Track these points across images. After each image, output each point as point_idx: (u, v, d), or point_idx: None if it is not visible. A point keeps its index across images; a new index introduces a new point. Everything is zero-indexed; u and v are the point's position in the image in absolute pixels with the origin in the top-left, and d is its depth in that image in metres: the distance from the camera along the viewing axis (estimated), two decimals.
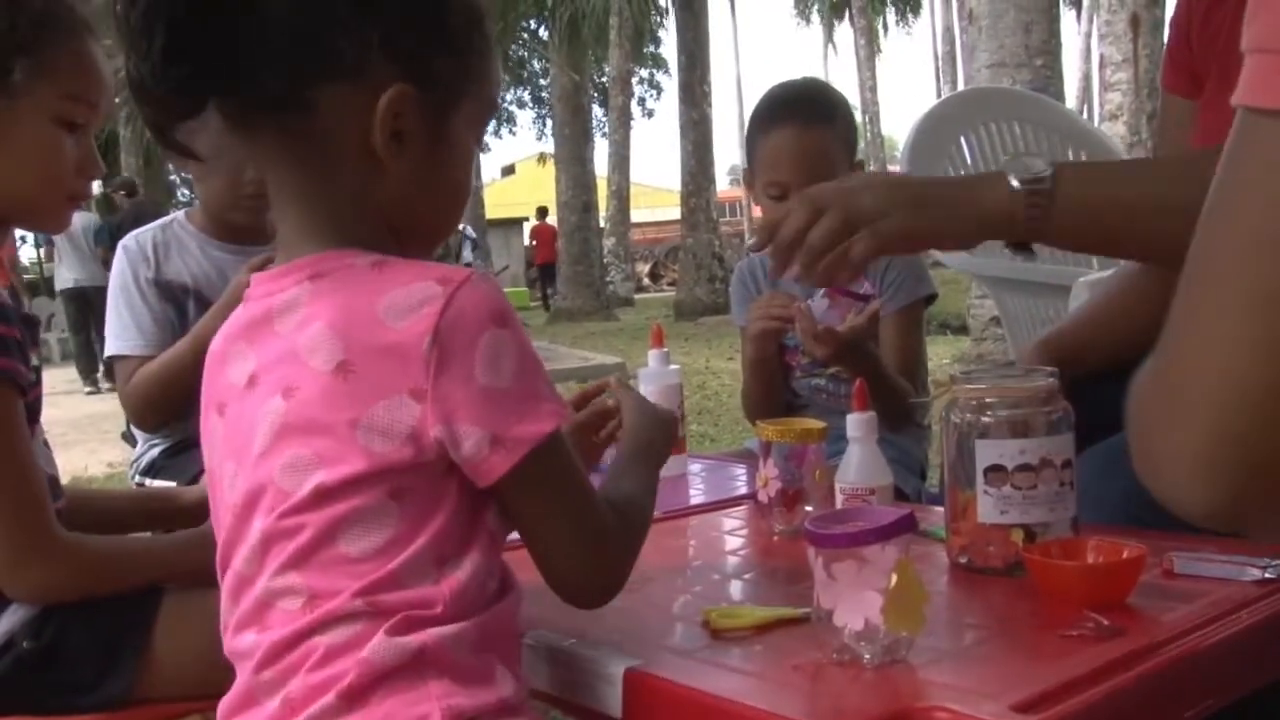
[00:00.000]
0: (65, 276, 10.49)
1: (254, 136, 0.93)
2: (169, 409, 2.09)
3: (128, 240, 2.22)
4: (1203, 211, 0.55)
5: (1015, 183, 1.21)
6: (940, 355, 7.48)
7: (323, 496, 0.87)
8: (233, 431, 0.95)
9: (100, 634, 1.27)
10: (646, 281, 25.04)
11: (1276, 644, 1.00)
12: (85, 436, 6.99)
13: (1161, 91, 1.66)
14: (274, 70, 0.88)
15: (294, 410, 0.89)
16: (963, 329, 8.42)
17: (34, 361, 1.31)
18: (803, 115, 1.96)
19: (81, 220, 10.66)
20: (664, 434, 1.21)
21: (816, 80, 2.30)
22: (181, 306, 2.18)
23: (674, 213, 19.56)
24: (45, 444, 1.38)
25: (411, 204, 0.96)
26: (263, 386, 0.91)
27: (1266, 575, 1.07)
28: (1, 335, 1.22)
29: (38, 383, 1.32)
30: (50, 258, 11.00)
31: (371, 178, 0.93)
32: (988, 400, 1.17)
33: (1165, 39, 1.60)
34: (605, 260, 17.67)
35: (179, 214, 2.31)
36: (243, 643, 0.92)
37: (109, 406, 6.73)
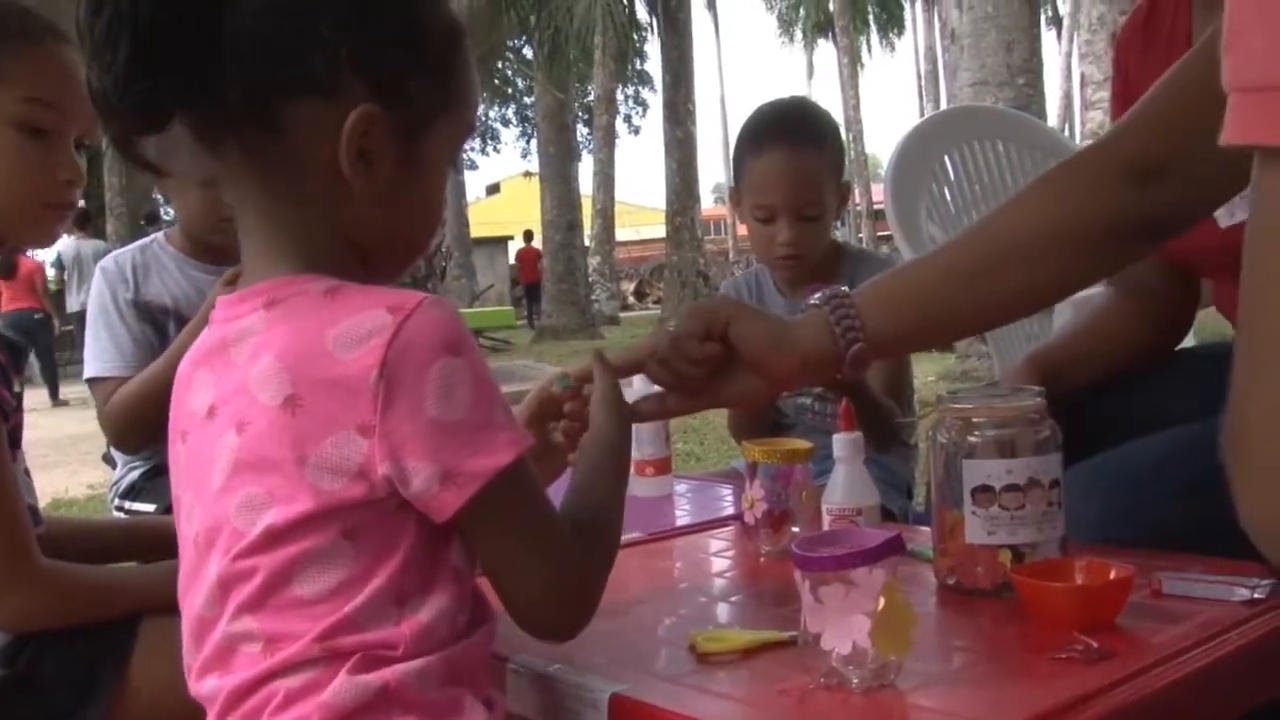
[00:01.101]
0: (74, 300, 10.67)
1: (220, 153, 0.90)
2: (147, 429, 2.07)
3: (106, 261, 2.21)
4: (1246, 260, 0.54)
5: (817, 302, 1.23)
6: (925, 373, 7.49)
7: (274, 538, 0.85)
8: (192, 462, 0.92)
9: (76, 662, 1.25)
10: (632, 300, 25.06)
11: (1265, 666, 1.00)
12: (66, 458, 6.94)
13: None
14: (239, 84, 0.85)
15: (246, 446, 0.86)
16: (948, 346, 8.43)
17: (16, 388, 1.29)
18: (791, 137, 1.95)
19: (92, 247, 10.76)
20: (628, 432, 1.12)
21: (805, 100, 2.29)
22: (161, 327, 2.17)
23: (658, 231, 19.62)
24: (25, 472, 1.36)
25: (379, 225, 0.93)
26: (220, 419, 0.89)
27: (1255, 595, 1.06)
28: None
29: (19, 409, 1.31)
30: (61, 281, 11.13)
31: (337, 198, 0.90)
32: (974, 420, 1.16)
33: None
34: (590, 279, 17.67)
35: (158, 235, 2.30)
36: (205, 687, 0.89)
37: (89, 428, 6.68)
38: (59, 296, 11.17)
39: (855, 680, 0.90)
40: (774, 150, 1.94)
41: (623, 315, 19.88)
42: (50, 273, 11.33)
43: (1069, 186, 1.21)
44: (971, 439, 1.16)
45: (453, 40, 0.94)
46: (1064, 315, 2.06)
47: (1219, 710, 0.96)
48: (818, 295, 1.24)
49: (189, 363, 0.95)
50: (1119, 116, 1.64)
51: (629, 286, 25.51)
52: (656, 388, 1.59)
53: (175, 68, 0.84)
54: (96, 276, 2.19)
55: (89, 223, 11.59)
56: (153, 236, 2.30)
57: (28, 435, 1.37)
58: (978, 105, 6.00)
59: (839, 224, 2.30)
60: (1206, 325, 1.76)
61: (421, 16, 0.92)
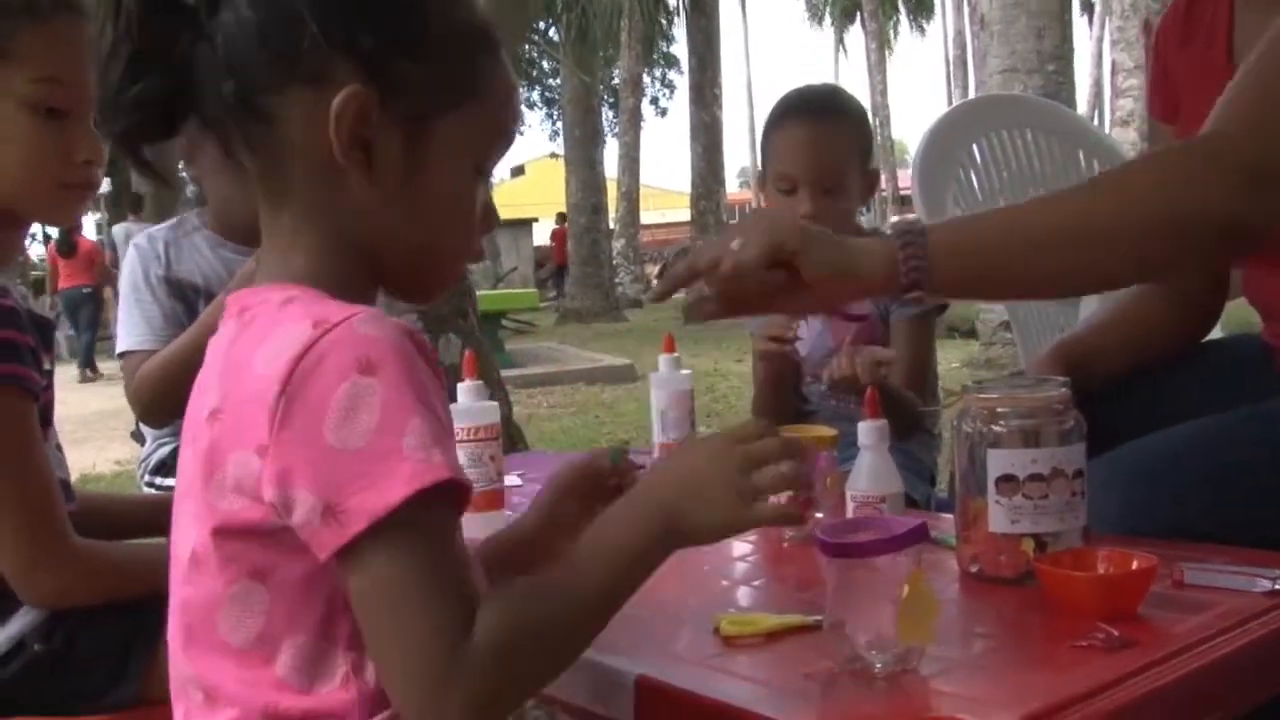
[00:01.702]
0: None
1: (234, 154, 0.87)
2: (173, 404, 2.06)
3: (139, 239, 2.24)
4: None
5: (889, 233, 1.23)
6: (949, 360, 7.47)
7: (194, 565, 0.82)
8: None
9: (110, 638, 1.27)
10: (655, 283, 25.07)
11: None
12: (94, 434, 7.02)
13: (1149, 119, 1.69)
14: (232, 77, 0.82)
15: (190, 462, 0.83)
16: (971, 333, 8.42)
17: (46, 366, 1.31)
18: (815, 112, 2.00)
19: (124, 230, 10.93)
20: (658, 545, 0.86)
21: (834, 85, 2.33)
22: (192, 305, 2.19)
23: (683, 214, 19.61)
24: (58, 447, 1.38)
25: (388, 231, 0.87)
26: (188, 430, 0.86)
27: (1276, 586, 1.07)
28: (15, 341, 1.22)
29: (49, 387, 1.32)
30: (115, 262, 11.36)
31: (339, 196, 0.85)
32: (999, 410, 1.17)
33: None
34: (614, 262, 17.67)
35: (191, 214, 2.32)
36: None
37: (117, 404, 6.76)
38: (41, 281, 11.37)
39: (879, 665, 0.91)
40: (797, 123, 1.99)
41: (646, 298, 19.86)
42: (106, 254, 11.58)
43: (1181, 179, 1.20)
44: (996, 429, 1.16)
45: (470, 38, 0.88)
46: (1090, 306, 2.05)
47: (1237, 700, 0.97)
48: (895, 222, 1.24)
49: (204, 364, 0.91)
50: (1156, 107, 1.64)
51: (653, 269, 25.48)
52: (684, 372, 1.61)
53: (170, 74, 0.82)
54: (130, 253, 2.22)
55: (142, 207, 11.73)
56: (184, 215, 2.32)
57: (57, 411, 1.39)
58: (1006, 93, 5.96)
59: (864, 210, 2.30)
60: (1234, 315, 1.76)
61: (422, 4, 0.87)
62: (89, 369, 11.26)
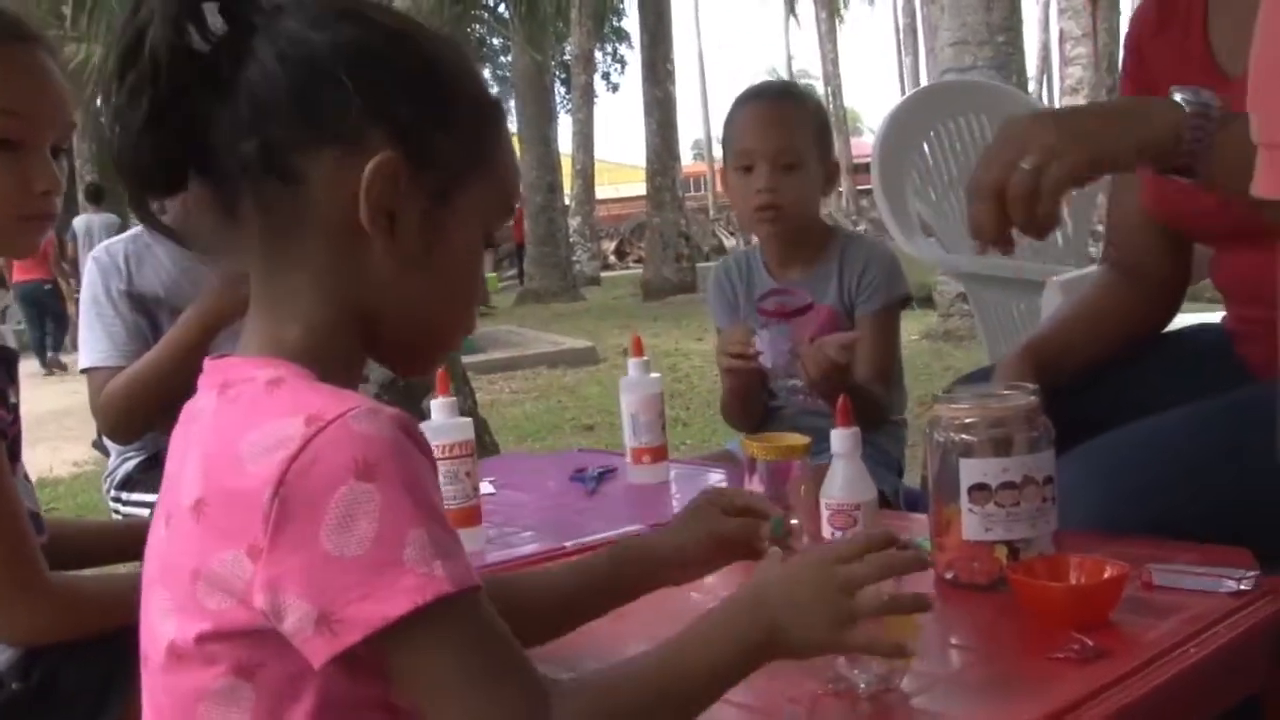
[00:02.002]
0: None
1: (235, 214, 0.84)
2: (139, 421, 2.07)
3: (98, 252, 2.21)
4: None
5: (1184, 105, 1.19)
6: (909, 331, 7.52)
7: (174, 659, 0.80)
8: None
9: (91, 673, 1.26)
10: (612, 259, 25.00)
11: (1251, 658, 1.04)
12: (48, 434, 6.91)
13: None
14: (256, 135, 0.81)
15: (168, 543, 0.81)
16: (929, 301, 8.48)
17: (11, 399, 1.29)
18: (772, 95, 2.11)
19: (101, 220, 10.86)
20: (801, 612, 0.86)
21: (791, 82, 2.40)
22: (154, 318, 2.16)
23: (638, 189, 19.56)
24: (25, 478, 1.37)
25: (394, 299, 0.86)
26: (162, 503, 0.84)
27: (1242, 587, 1.10)
28: None
29: (16, 420, 1.30)
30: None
31: (354, 260, 0.84)
32: (970, 420, 1.19)
33: (1123, 20, 1.67)
34: (571, 240, 17.61)
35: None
36: None
37: (73, 401, 6.64)
38: (76, 266, 11.24)
39: (862, 685, 0.93)
40: (755, 106, 2.08)
41: (604, 275, 19.82)
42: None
43: None
44: (967, 438, 1.19)
45: (485, 110, 0.89)
46: (1053, 297, 2.08)
47: (1208, 704, 1.00)
48: (1182, 94, 1.19)
49: (178, 425, 0.88)
50: (1129, 92, 1.64)
51: (609, 246, 25.43)
52: (654, 375, 1.61)
53: (194, 122, 0.82)
54: (89, 267, 2.19)
55: (101, 198, 11.60)
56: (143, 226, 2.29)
57: None
58: (958, 80, 6.00)
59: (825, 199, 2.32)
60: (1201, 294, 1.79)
61: (448, 75, 0.87)
62: (54, 367, 11.13)
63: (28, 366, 10.15)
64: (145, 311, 2.16)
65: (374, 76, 0.82)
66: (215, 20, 0.82)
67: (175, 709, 0.80)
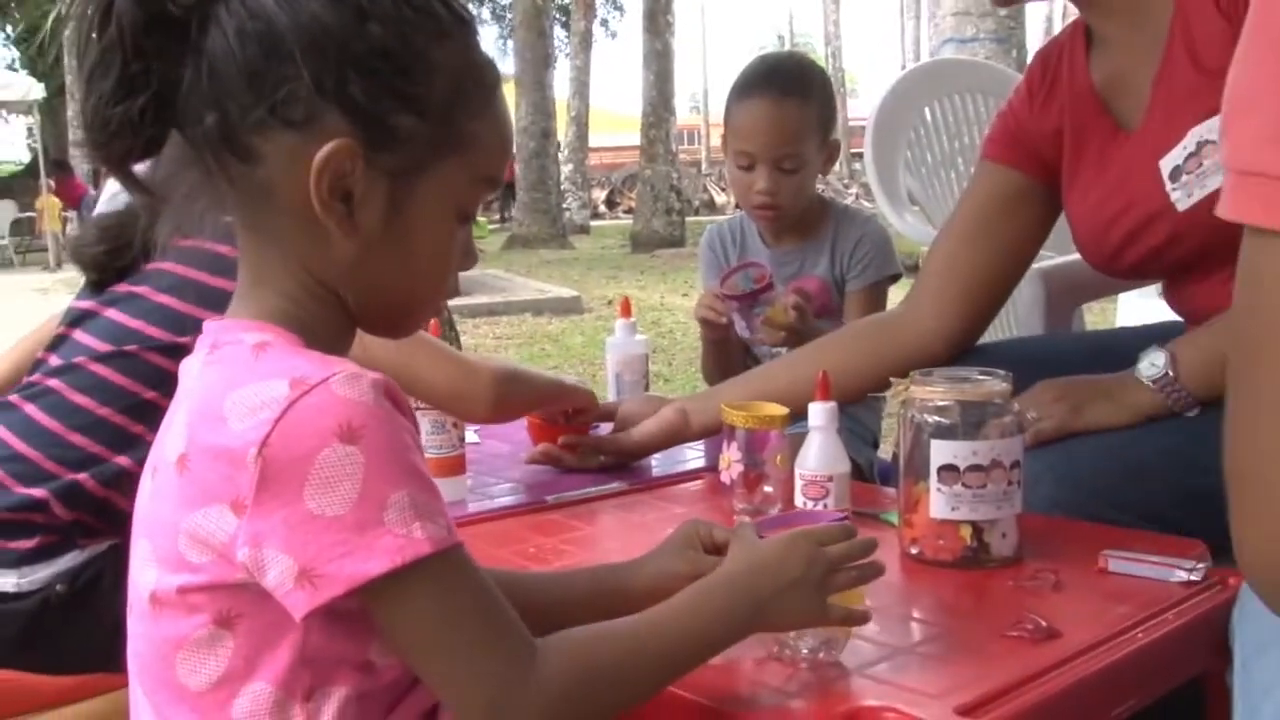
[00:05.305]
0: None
1: (213, 177, 0.83)
2: None
3: None
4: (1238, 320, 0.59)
5: (1150, 385, 1.39)
6: (894, 298, 7.57)
7: (156, 605, 0.82)
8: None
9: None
10: (602, 208, 24.93)
11: (1196, 645, 1.09)
12: None
13: (979, 160, 1.72)
14: (213, 110, 0.80)
15: (151, 496, 0.83)
16: (915, 269, 8.50)
17: None
18: (777, 88, 2.01)
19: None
20: (788, 589, 0.92)
21: (799, 54, 2.36)
22: None
23: (631, 138, 19.43)
24: None
25: (362, 277, 0.86)
26: (150, 457, 0.86)
27: (1191, 577, 1.15)
28: None
29: None
30: None
31: (313, 240, 0.83)
32: (943, 403, 1.23)
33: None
34: (562, 187, 17.55)
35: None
36: None
37: None
38: None
39: (805, 650, 0.98)
40: (759, 99, 2.01)
41: (593, 224, 19.78)
42: None
43: None
44: (940, 420, 1.23)
45: (464, 88, 0.85)
46: (1036, 286, 2.12)
47: (1151, 688, 1.05)
48: (1142, 366, 1.40)
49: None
50: (995, 150, 1.67)
51: (600, 195, 25.34)
52: (640, 337, 1.65)
53: (159, 90, 0.80)
54: None
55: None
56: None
57: None
58: (955, 59, 5.98)
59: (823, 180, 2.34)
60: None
61: (417, 54, 0.83)
62: None
63: None
64: None
65: (331, 57, 0.79)
66: None
67: (154, 655, 0.83)
